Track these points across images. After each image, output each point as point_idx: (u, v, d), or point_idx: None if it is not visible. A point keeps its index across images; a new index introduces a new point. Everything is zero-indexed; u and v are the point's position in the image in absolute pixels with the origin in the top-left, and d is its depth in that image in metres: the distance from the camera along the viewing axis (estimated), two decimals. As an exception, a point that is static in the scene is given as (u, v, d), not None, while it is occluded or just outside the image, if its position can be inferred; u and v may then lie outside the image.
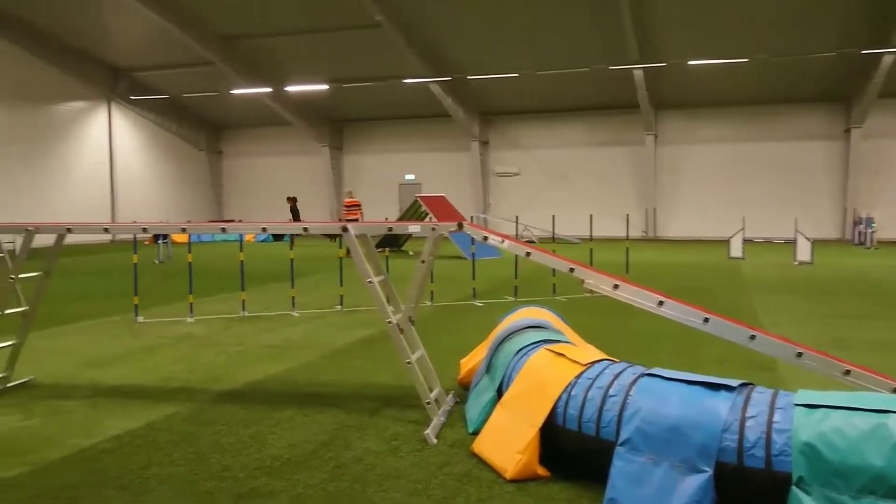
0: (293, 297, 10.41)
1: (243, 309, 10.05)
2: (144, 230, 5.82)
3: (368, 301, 10.78)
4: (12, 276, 5.67)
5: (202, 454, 4.45)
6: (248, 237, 24.91)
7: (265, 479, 4.06)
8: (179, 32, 24.31)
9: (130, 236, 19.35)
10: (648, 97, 26.06)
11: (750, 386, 3.57)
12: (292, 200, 27.10)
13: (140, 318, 9.55)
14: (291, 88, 27.90)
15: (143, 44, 26.55)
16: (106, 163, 29.14)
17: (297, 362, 7.05)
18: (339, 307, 10.41)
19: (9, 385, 5.96)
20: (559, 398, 4.02)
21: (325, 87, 27.41)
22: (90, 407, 5.51)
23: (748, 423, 3.29)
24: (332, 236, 24.46)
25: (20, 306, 5.86)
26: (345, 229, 5.12)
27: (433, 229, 5.16)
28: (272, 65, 27.30)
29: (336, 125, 32.67)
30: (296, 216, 26.52)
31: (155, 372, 6.69)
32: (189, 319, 9.52)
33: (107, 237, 26.10)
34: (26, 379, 6.22)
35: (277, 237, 25.90)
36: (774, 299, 11.20)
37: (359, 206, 21.47)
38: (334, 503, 3.73)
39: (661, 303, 4.49)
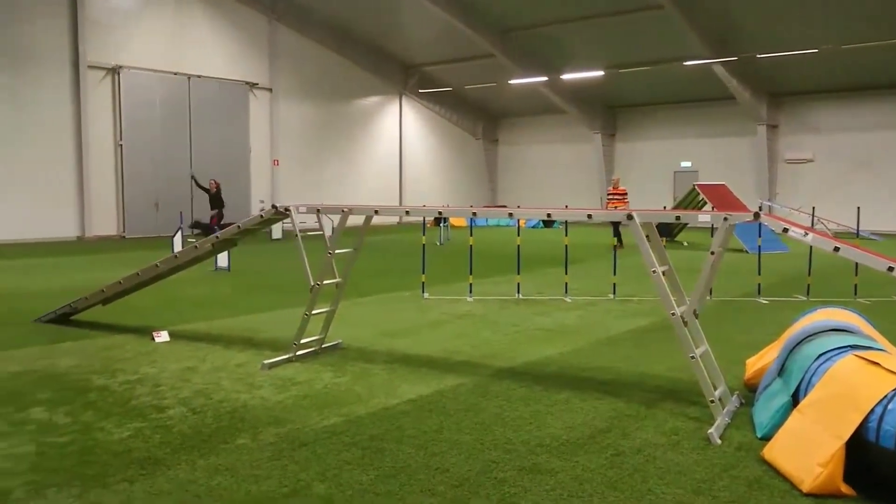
0: (566, 283, 10.55)
1: (518, 291, 10.44)
2: (440, 213, 6.28)
3: (643, 291, 10.61)
4: (330, 252, 6.49)
5: (486, 425, 4.74)
6: (521, 222, 25.40)
7: (546, 456, 4.21)
8: (464, 28, 25.73)
9: (417, 219, 21.01)
10: None
11: None
12: (215, 185, 20.16)
13: (426, 295, 10.38)
14: (567, 76, 28.08)
15: (431, 41, 28.60)
16: (396, 151, 32.03)
17: (571, 346, 7.16)
18: (611, 295, 10.34)
19: (323, 346, 6.87)
20: (872, 411, 3.60)
21: (600, 73, 27.16)
22: (388, 371, 6.15)
23: None
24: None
25: (335, 278, 6.70)
26: (630, 217, 5.07)
27: (725, 219, 4.89)
28: (548, 54, 27.72)
29: (609, 112, 32.23)
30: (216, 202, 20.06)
31: (441, 344, 7.25)
32: (468, 299, 10.13)
33: (394, 219, 28.70)
34: (336, 342, 7.11)
35: (547, 224, 26.38)
36: None
37: (625, 194, 18.62)
38: (614, 490, 3.75)
39: None
